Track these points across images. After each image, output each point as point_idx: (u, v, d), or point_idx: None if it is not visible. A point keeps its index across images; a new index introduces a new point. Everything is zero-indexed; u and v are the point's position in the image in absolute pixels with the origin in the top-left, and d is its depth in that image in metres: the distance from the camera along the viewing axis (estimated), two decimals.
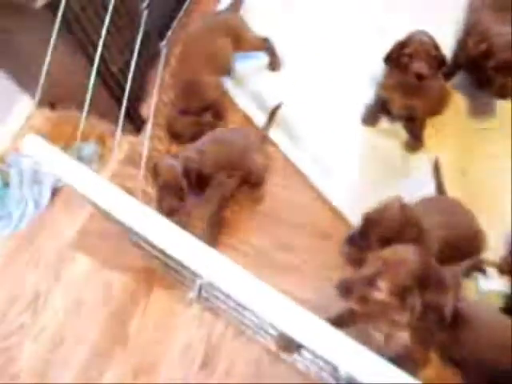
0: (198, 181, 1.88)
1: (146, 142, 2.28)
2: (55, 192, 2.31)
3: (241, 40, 2.33)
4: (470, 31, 2.02)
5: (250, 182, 2.05)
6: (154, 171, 1.91)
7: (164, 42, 2.55)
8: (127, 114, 2.14)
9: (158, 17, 2.47)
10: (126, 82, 2.11)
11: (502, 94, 1.93)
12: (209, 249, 1.03)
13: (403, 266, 1.26)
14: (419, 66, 1.81)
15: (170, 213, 1.84)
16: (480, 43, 1.89)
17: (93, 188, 1.17)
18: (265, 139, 2.18)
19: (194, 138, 2.18)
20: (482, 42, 1.89)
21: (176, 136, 2.29)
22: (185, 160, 1.88)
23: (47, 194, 2.27)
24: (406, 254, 1.30)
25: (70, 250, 2.18)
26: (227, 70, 2.36)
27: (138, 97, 2.41)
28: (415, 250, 1.30)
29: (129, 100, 2.13)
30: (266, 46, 2.38)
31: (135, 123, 2.37)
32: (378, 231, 1.47)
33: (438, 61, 1.86)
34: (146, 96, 2.47)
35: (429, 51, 1.82)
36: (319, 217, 2.02)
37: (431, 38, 1.85)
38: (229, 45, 2.31)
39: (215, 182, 1.94)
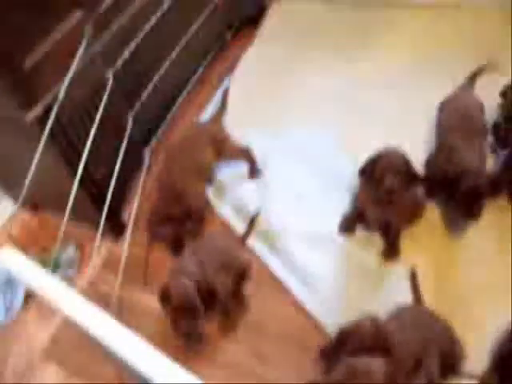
0: (209, 295, 1.89)
1: (125, 246, 2.29)
2: (28, 298, 2.26)
3: (223, 149, 2.43)
4: (440, 153, 2.14)
5: (243, 279, 2.05)
6: (165, 293, 1.89)
7: (148, 149, 2.64)
8: (108, 219, 2.17)
9: (143, 124, 2.58)
10: (108, 188, 2.16)
11: (470, 216, 2.01)
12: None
13: (367, 378, 1.26)
14: (390, 182, 1.90)
15: (188, 334, 1.86)
16: (450, 166, 2.01)
17: (62, 301, 1.15)
18: (243, 247, 2.20)
19: (175, 242, 2.19)
20: (452, 165, 2.00)
21: (157, 239, 2.30)
22: (191, 276, 1.89)
23: (20, 299, 2.23)
24: (372, 366, 1.31)
25: (40, 359, 2.10)
26: (209, 179, 2.43)
27: (119, 202, 2.44)
28: (382, 364, 1.31)
29: (110, 205, 2.17)
30: (246, 155, 2.47)
31: (115, 228, 2.39)
32: (351, 346, 1.47)
33: (408, 176, 1.94)
34: (128, 201, 2.50)
35: (399, 167, 1.92)
36: (298, 328, 1.99)
37: (402, 154, 1.95)
38: (211, 154, 2.40)
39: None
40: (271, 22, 3.36)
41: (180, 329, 1.87)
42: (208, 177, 2.43)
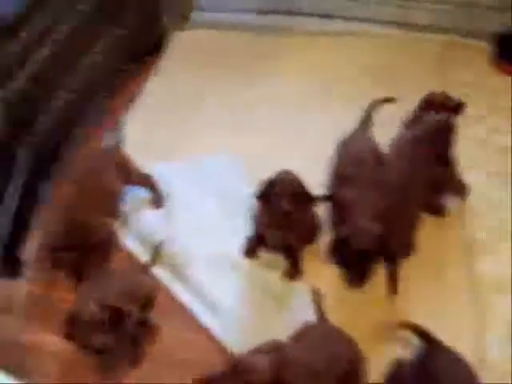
0: (116, 316, 1.82)
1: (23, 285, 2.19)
2: None
3: (128, 176, 2.39)
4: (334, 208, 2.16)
5: (148, 307, 2.01)
6: (71, 317, 1.80)
7: (46, 183, 2.54)
8: (4, 258, 2.07)
9: (40, 156, 2.48)
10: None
11: (355, 281, 1.98)
12: None
13: None
14: (286, 206, 1.94)
15: (100, 351, 1.81)
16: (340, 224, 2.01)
17: None
18: (148, 275, 2.17)
19: (74, 272, 2.12)
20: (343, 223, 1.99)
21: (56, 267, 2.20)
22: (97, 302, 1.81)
23: None
24: None
25: None
26: (116, 208, 2.37)
27: (17, 240, 2.33)
28: None
29: (7, 243, 2.07)
30: (149, 182, 2.45)
31: (12, 267, 2.26)
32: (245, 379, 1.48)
33: (304, 197, 2.00)
34: (26, 239, 2.39)
35: (294, 190, 1.97)
36: (204, 354, 1.97)
37: (295, 177, 2.01)
38: (117, 181, 2.35)
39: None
40: (173, 50, 3.39)
41: (91, 346, 1.80)
42: (115, 206, 2.36)
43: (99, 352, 1.83)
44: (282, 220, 2.00)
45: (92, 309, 1.77)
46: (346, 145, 2.28)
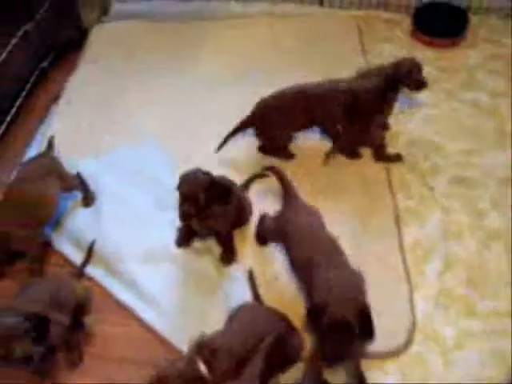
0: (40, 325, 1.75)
1: None
2: None
3: (62, 179, 2.32)
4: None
5: (83, 312, 1.98)
6: None
7: None
8: None
9: None
10: None
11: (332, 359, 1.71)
12: None
13: None
14: (184, 209, 1.93)
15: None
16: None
17: None
18: (81, 277, 2.14)
19: None
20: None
21: None
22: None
23: None
24: None
25: None
26: (51, 215, 2.28)
27: None
28: None
29: None
30: (78, 182, 2.40)
31: None
32: None
33: (214, 192, 1.96)
34: None
35: (194, 192, 1.93)
36: (144, 348, 1.97)
37: (201, 177, 1.96)
38: (54, 185, 2.27)
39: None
40: (94, 44, 3.30)
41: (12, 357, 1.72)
42: (49, 213, 2.26)
43: (21, 362, 1.75)
44: (184, 219, 2.00)
45: (11, 320, 1.71)
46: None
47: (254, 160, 2.53)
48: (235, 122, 2.49)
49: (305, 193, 2.19)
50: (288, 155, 2.52)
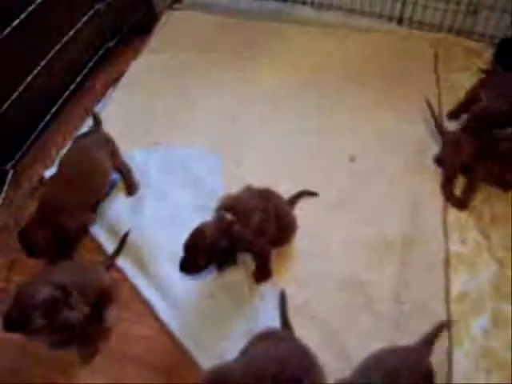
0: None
1: None
2: None
3: (116, 158, 2.29)
4: None
5: (106, 302, 1.92)
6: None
7: (9, 165, 2.44)
8: None
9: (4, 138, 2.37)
10: None
11: None
12: None
13: None
14: (200, 261, 1.84)
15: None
16: None
17: None
18: (111, 267, 2.09)
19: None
20: None
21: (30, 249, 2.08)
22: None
23: None
24: None
25: None
26: (103, 191, 2.25)
27: None
28: None
29: None
30: (126, 169, 2.36)
31: None
32: None
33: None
34: None
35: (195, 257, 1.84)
36: (161, 351, 1.91)
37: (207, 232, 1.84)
38: (108, 162, 2.24)
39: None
40: (162, 31, 3.26)
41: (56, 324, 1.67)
42: (103, 189, 2.24)
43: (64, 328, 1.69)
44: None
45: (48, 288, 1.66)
46: None
47: (308, 173, 2.42)
48: (292, 135, 2.39)
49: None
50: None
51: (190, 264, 1.86)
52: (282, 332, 1.83)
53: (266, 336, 1.73)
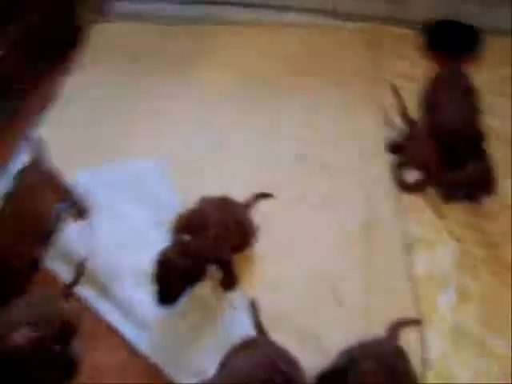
0: None
1: None
2: None
3: (57, 189, 2.20)
4: None
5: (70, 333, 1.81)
6: None
7: None
8: None
9: None
10: None
11: None
12: None
13: None
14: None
15: None
16: None
17: None
18: (70, 296, 1.98)
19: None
20: None
21: None
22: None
23: None
24: None
25: None
26: (48, 230, 2.14)
27: None
28: None
29: None
30: (72, 194, 2.26)
31: None
32: None
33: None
34: None
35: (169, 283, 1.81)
36: (135, 374, 1.84)
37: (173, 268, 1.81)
38: (51, 196, 2.15)
39: None
40: (93, 45, 3.15)
41: None
42: (47, 228, 2.14)
43: None
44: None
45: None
46: None
47: (259, 173, 2.41)
48: (241, 137, 2.37)
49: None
50: None
51: (168, 294, 1.81)
52: (260, 338, 1.81)
53: (244, 345, 1.70)
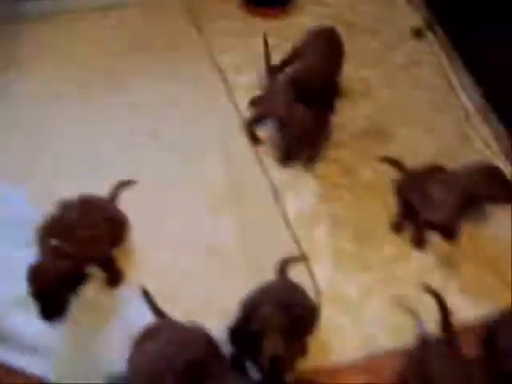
0: None
1: None
2: None
3: None
4: None
5: None
6: None
7: None
8: None
9: None
10: None
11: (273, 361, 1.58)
12: None
13: None
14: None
15: None
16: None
17: None
18: None
19: None
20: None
21: None
22: None
23: None
24: None
25: None
26: None
27: None
28: None
29: None
30: None
31: None
32: None
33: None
34: None
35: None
36: None
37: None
38: None
39: None
40: None
41: None
42: None
43: None
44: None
45: None
46: None
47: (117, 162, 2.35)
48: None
49: None
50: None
51: (52, 307, 1.71)
52: (163, 323, 1.79)
53: (148, 334, 1.68)
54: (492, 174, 2.05)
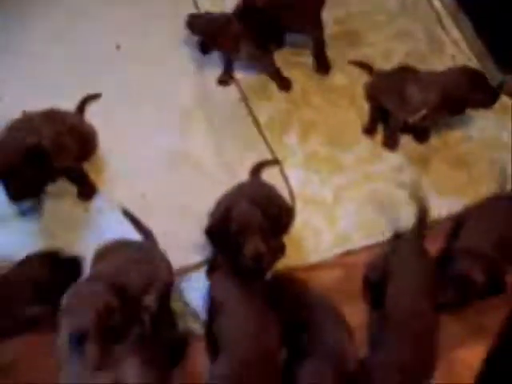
0: None
1: None
2: None
3: None
4: None
5: None
6: None
7: None
8: None
9: None
10: None
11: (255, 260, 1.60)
12: None
13: None
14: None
15: None
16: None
17: None
18: None
19: None
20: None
21: None
22: None
23: None
24: None
25: None
26: None
27: None
28: None
29: None
30: None
31: None
32: None
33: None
34: None
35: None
36: None
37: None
38: None
39: None
40: None
41: None
42: None
43: None
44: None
45: None
46: None
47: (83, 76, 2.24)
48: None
49: None
50: None
51: (15, 187, 1.71)
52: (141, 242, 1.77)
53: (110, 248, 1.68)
54: (474, 77, 2.03)
